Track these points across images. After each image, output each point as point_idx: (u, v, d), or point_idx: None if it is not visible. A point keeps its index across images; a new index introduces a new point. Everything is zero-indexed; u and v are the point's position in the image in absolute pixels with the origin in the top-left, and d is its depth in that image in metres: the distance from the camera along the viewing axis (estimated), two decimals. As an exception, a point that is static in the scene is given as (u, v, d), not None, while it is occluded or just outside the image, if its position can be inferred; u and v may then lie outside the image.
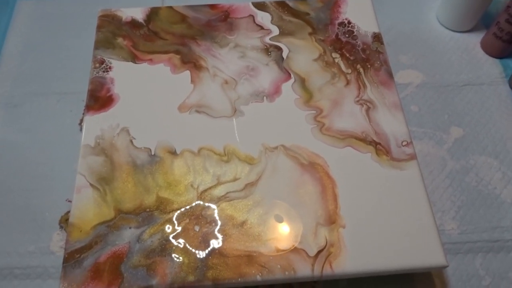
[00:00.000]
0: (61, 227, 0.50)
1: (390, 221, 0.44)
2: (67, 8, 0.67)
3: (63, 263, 0.42)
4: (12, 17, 0.66)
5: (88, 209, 0.45)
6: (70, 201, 0.50)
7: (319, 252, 0.42)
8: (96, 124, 0.49)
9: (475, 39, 0.63)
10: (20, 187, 0.51)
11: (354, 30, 0.57)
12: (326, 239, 0.43)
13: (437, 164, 0.52)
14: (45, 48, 0.63)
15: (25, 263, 0.47)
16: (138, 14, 0.58)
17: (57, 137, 0.55)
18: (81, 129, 0.54)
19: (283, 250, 0.42)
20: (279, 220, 0.44)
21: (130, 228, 0.44)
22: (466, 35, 0.63)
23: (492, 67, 0.60)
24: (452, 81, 0.59)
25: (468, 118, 0.56)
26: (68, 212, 0.49)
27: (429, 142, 0.54)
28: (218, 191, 0.45)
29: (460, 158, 0.53)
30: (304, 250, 0.42)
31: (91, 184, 0.46)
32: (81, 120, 0.58)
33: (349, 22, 0.57)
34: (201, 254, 0.42)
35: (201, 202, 0.45)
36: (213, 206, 0.44)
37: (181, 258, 0.42)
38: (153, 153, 0.48)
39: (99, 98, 0.51)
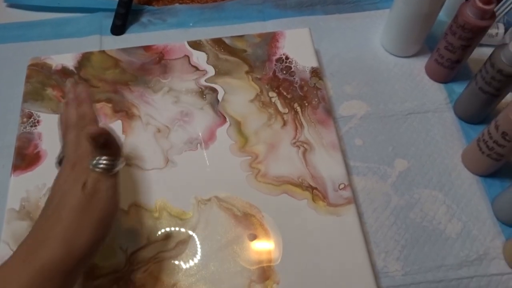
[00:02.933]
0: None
1: (327, 272, 0.42)
2: (2, 54, 0.64)
3: None
4: None
5: (11, 280, 0.42)
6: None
7: (252, 312, 0.40)
8: (22, 185, 0.47)
9: (420, 63, 0.62)
10: None
11: (292, 65, 0.55)
12: (259, 297, 0.41)
13: (381, 201, 0.51)
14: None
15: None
16: (69, 61, 0.56)
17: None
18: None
19: (214, 313, 0.40)
20: (212, 280, 0.42)
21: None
22: (411, 60, 0.62)
23: (437, 93, 0.59)
24: (397, 110, 0.57)
25: (413, 149, 0.54)
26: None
27: (373, 177, 0.52)
28: (148, 252, 0.44)
29: (405, 193, 0.51)
30: (236, 311, 0.40)
31: (15, 253, 0.44)
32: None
33: (286, 58, 0.56)
34: (129, 323, 0.40)
35: (130, 266, 0.43)
36: (142, 269, 0.43)
37: (108, 329, 0.40)
38: (81, 214, 0.46)
39: (26, 156, 0.49)
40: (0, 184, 0.53)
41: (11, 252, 0.43)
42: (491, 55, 0.49)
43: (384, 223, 0.50)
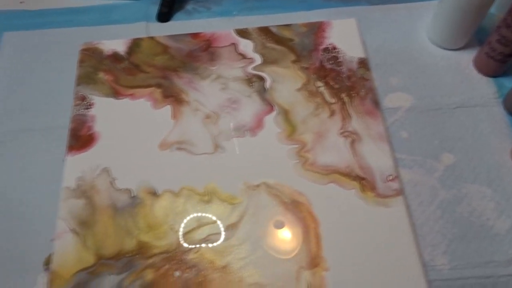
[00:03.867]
0: (46, 269, 0.49)
1: (375, 262, 0.43)
2: (52, 39, 0.66)
3: (44, 313, 0.41)
4: (-2, 50, 0.66)
5: (69, 255, 0.44)
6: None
7: (300, 296, 0.41)
8: (77, 165, 0.49)
9: (468, 56, 0.61)
10: (3, 228, 0.51)
11: (339, 56, 0.55)
12: (308, 284, 0.41)
13: (427, 194, 0.51)
14: (31, 82, 0.63)
15: (10, 308, 0.47)
16: (120, 46, 0.58)
17: (41, 174, 0.55)
18: (65, 166, 0.53)
19: (263, 297, 0.41)
20: (260, 264, 0.43)
21: (110, 274, 0.43)
22: (458, 53, 0.61)
23: (486, 87, 0.58)
24: (444, 104, 0.57)
25: (460, 144, 0.54)
26: (52, 253, 0.48)
27: (419, 171, 0.52)
28: (199, 234, 0.45)
29: (452, 187, 0.51)
30: (285, 295, 0.41)
31: (71, 230, 0.45)
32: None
33: (333, 48, 0.56)
34: (181, 302, 0.41)
35: (182, 246, 0.44)
36: (193, 250, 0.44)
37: (160, 306, 0.41)
38: (133, 195, 0.47)
39: (80, 137, 0.51)
40: (54, 163, 0.55)
41: (68, 228, 0.45)
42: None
43: (431, 216, 0.49)
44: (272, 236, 0.44)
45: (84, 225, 0.46)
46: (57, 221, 0.46)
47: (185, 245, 0.44)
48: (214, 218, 0.45)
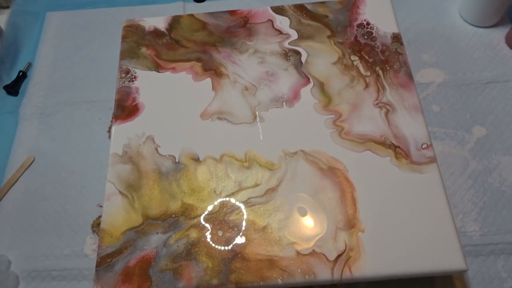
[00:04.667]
0: (94, 231, 0.53)
1: (409, 225, 0.44)
2: (94, 18, 0.69)
3: (96, 267, 0.44)
4: (42, 29, 0.69)
5: (117, 215, 0.47)
6: (101, 206, 0.52)
7: (339, 256, 0.43)
8: (123, 133, 0.52)
9: (499, 34, 0.61)
10: (54, 194, 0.55)
11: (373, 31, 0.57)
12: (346, 244, 0.44)
13: (459, 165, 0.52)
14: (75, 58, 0.66)
15: (61, 265, 0.50)
16: (161, 23, 0.60)
17: (87, 144, 0.58)
18: (109, 137, 0.56)
19: (303, 255, 0.43)
20: (299, 225, 0.45)
21: (157, 233, 0.46)
22: (490, 30, 0.62)
23: (518, 63, 0.59)
24: (475, 79, 0.58)
25: (491, 117, 0.55)
26: (100, 217, 0.51)
27: (450, 143, 0.54)
28: (240, 197, 0.47)
29: (483, 158, 0.52)
30: (324, 254, 0.43)
31: (120, 192, 0.48)
32: (110, 128, 0.61)
33: (368, 23, 0.57)
34: (225, 258, 0.44)
35: (224, 208, 0.46)
36: (235, 211, 0.46)
37: (205, 262, 0.44)
38: (177, 161, 0.50)
39: (126, 108, 0.54)
40: (99, 134, 0.58)
41: (117, 191, 0.48)
42: None
43: (462, 186, 0.51)
44: (309, 200, 0.46)
45: (131, 188, 0.48)
46: (106, 183, 0.48)
47: (227, 207, 0.46)
48: (254, 182, 0.48)
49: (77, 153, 0.57)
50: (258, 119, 0.51)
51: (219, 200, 0.47)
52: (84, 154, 0.57)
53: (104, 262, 0.45)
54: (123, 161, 0.50)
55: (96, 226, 0.53)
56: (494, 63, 0.59)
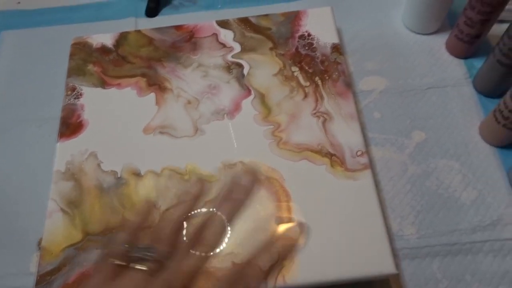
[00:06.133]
0: (39, 248, 0.53)
1: (343, 231, 0.45)
2: (48, 36, 0.70)
3: (35, 285, 0.45)
4: (-3, 48, 0.70)
5: (58, 232, 0.48)
6: (48, 224, 0.53)
7: (273, 264, 0.44)
8: (67, 150, 0.53)
9: (440, 40, 0.63)
10: (1, 211, 0.55)
11: (314, 42, 0.58)
12: (279, 252, 0.44)
13: (398, 170, 0.53)
14: (29, 76, 0.67)
15: (7, 285, 0.50)
16: (108, 40, 0.61)
17: (38, 161, 0.58)
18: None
19: (237, 264, 0.44)
20: (234, 236, 0.46)
21: (97, 249, 0.46)
22: (431, 37, 0.64)
23: (457, 68, 0.60)
24: (416, 85, 0.59)
25: (431, 122, 0.56)
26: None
27: (391, 148, 0.55)
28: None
29: (421, 162, 0.54)
30: (257, 264, 0.44)
31: (61, 209, 0.49)
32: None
33: (309, 35, 0.59)
34: (162, 271, 0.44)
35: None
36: (173, 224, 0.47)
37: (143, 275, 0.44)
38: (119, 176, 0.50)
39: (70, 125, 0.54)
40: (48, 151, 0.58)
41: (58, 207, 0.49)
42: (508, 27, 0.50)
43: (401, 190, 0.52)
44: (247, 210, 0.47)
45: (73, 204, 0.49)
46: (48, 201, 0.49)
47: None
48: (194, 194, 0.48)
49: (27, 170, 0.58)
50: (199, 132, 0.52)
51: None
52: (34, 171, 0.58)
53: (43, 280, 0.45)
54: (65, 178, 0.51)
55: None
56: (434, 69, 0.61)
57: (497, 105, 0.51)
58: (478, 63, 0.59)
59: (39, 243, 0.53)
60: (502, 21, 0.59)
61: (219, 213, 0.41)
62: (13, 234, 0.54)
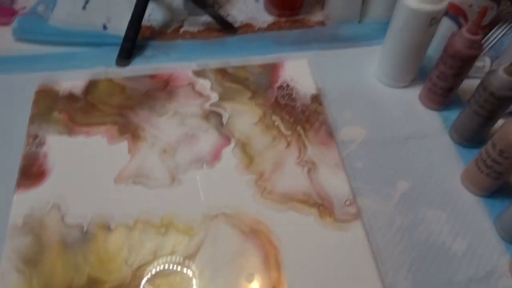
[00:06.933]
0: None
1: (337, 285, 0.42)
2: (11, 84, 0.65)
3: None
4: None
5: (11, 297, 0.41)
6: None
7: (263, 326, 0.39)
8: (25, 202, 0.47)
9: (413, 93, 0.64)
10: None
11: (293, 92, 0.58)
12: (270, 311, 0.40)
13: (386, 220, 0.51)
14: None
15: None
16: (76, 87, 0.58)
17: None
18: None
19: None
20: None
21: (57, 315, 0.40)
22: (404, 90, 0.65)
23: (432, 119, 0.61)
24: (395, 136, 0.59)
25: (413, 172, 0.56)
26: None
27: (376, 198, 0.53)
28: (155, 266, 0.42)
29: (408, 213, 0.52)
30: (246, 326, 0.39)
31: (16, 268, 0.42)
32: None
33: (287, 85, 0.58)
34: None
35: (136, 280, 0.42)
36: (149, 282, 0.41)
37: None
38: (85, 230, 0.45)
39: (31, 174, 0.49)
40: (2, 203, 0.52)
41: (12, 268, 0.42)
42: (482, 80, 0.52)
43: (391, 241, 0.50)
44: (230, 266, 0.42)
45: (30, 263, 0.43)
46: (1, 260, 0.42)
47: (140, 279, 0.41)
48: (170, 249, 0.44)
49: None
50: (176, 182, 0.49)
51: (131, 271, 0.42)
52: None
53: None
54: (23, 232, 0.45)
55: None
56: (411, 121, 0.61)
57: (478, 155, 0.51)
58: (451, 114, 0.60)
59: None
60: (470, 77, 0.61)
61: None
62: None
